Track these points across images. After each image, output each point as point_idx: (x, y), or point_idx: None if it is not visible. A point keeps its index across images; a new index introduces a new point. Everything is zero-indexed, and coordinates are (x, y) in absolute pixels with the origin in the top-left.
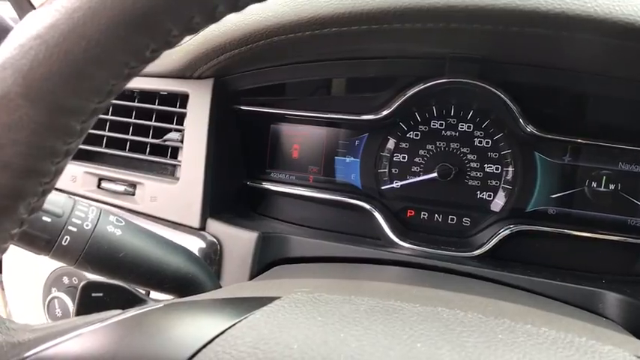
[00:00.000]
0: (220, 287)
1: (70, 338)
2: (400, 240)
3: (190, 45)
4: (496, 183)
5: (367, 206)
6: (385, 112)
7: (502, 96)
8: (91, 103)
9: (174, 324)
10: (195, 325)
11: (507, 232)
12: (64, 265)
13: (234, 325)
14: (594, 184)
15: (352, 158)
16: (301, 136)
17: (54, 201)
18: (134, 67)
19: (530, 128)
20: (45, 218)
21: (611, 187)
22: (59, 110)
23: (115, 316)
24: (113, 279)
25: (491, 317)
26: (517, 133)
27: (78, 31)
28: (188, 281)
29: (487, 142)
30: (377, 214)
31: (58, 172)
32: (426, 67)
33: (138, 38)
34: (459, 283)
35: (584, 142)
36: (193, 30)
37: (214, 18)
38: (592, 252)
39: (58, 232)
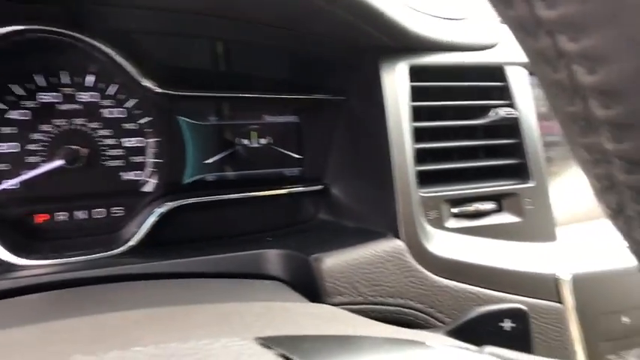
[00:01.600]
0: None
1: None
2: (22, 259)
3: None
4: (142, 159)
5: None
6: None
7: (105, 49)
8: None
9: None
10: None
11: (160, 212)
12: None
13: None
14: (246, 142)
15: None
16: None
17: None
18: None
19: (154, 86)
20: None
21: (262, 141)
22: None
23: None
24: None
25: None
26: (150, 95)
27: None
28: None
29: (121, 112)
30: None
31: None
32: None
33: None
34: (92, 297)
35: (224, 95)
36: None
37: None
38: (256, 212)
39: None
